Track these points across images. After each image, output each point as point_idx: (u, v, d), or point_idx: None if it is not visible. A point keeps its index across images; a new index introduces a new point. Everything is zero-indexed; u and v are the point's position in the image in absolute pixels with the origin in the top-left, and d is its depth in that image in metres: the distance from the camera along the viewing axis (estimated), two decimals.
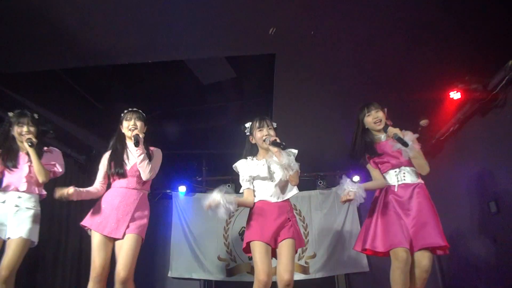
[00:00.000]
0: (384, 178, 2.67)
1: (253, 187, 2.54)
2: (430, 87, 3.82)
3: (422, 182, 2.59)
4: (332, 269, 5.72)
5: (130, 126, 2.63)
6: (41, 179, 2.66)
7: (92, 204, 2.63)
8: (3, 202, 2.60)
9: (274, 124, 2.60)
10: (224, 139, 5.43)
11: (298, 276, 5.79)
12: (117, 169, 2.54)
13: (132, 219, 2.47)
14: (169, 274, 5.84)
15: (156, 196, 6.17)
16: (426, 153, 5.22)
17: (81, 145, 4.95)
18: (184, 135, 5.38)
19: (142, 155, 2.51)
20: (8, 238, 2.51)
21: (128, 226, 2.44)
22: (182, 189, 6.05)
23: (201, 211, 6.22)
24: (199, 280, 5.84)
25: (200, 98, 4.54)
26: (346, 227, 5.91)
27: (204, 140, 5.63)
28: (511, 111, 3.39)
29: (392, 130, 2.50)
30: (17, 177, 2.66)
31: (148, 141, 2.70)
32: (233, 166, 2.63)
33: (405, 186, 2.55)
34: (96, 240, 2.45)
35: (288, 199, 2.52)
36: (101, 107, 4.39)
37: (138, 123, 2.65)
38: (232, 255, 5.98)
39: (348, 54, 3.44)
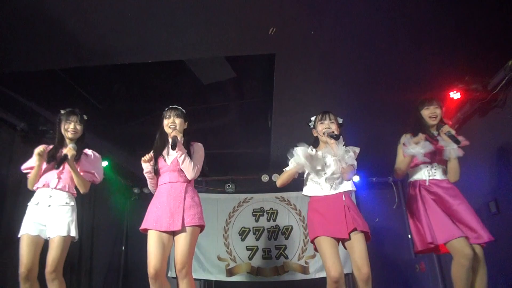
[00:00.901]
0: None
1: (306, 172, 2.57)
2: (430, 87, 3.82)
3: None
4: None
5: (170, 124, 2.68)
6: (82, 190, 2.78)
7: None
8: (37, 204, 2.65)
9: (340, 120, 2.65)
10: (224, 139, 5.43)
11: (298, 276, 5.79)
12: (156, 166, 2.61)
13: (185, 209, 2.49)
14: (169, 274, 5.83)
15: None
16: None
17: None
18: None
19: (183, 156, 2.55)
20: (49, 237, 2.58)
21: (183, 218, 2.46)
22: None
23: None
24: (199, 280, 5.84)
25: (200, 98, 4.54)
26: None
27: (204, 140, 5.61)
28: (511, 111, 3.39)
29: (447, 128, 2.60)
30: (51, 174, 2.72)
31: (189, 136, 2.79)
32: (293, 149, 2.59)
33: (436, 182, 2.66)
34: (152, 239, 2.46)
35: (344, 192, 2.50)
36: (101, 107, 4.39)
37: (177, 120, 2.71)
38: (232, 255, 5.98)
39: (348, 54, 3.44)
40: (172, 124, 2.67)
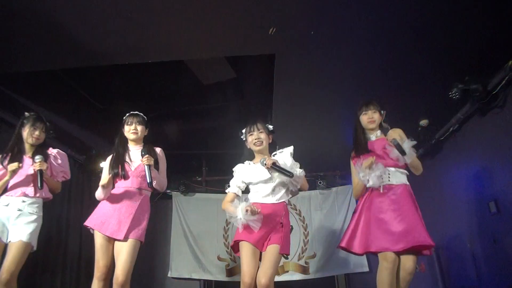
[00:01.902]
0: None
1: (241, 192, 2.56)
2: (430, 87, 3.83)
3: (408, 183, 2.60)
4: (332, 269, 5.73)
5: (132, 130, 2.66)
6: (56, 192, 2.77)
7: (92, 205, 2.64)
8: (7, 205, 2.59)
9: (270, 127, 2.61)
10: (224, 139, 5.42)
11: (298, 276, 5.79)
12: (118, 170, 2.55)
13: (133, 221, 2.48)
14: (169, 274, 5.85)
15: (156, 196, 6.17)
16: (426, 154, 5.24)
17: (81, 145, 4.95)
18: (184, 135, 5.38)
19: (155, 181, 2.52)
20: (9, 241, 2.51)
21: (128, 229, 2.45)
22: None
23: (201, 211, 6.23)
24: (199, 280, 5.85)
25: (200, 98, 4.54)
26: (346, 227, 5.89)
27: (204, 140, 5.62)
28: (511, 111, 3.39)
29: (392, 135, 2.51)
30: (23, 181, 2.64)
31: (150, 141, 2.73)
32: (233, 170, 2.65)
33: (389, 187, 2.55)
34: (99, 240, 2.46)
35: (284, 202, 2.50)
36: (101, 107, 4.39)
37: (139, 127, 2.68)
38: (232, 255, 5.98)
39: (348, 54, 3.44)
40: (134, 130, 2.66)
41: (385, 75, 3.71)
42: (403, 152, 2.44)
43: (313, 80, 3.84)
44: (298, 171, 2.40)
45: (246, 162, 2.63)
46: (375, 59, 3.48)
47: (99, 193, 2.54)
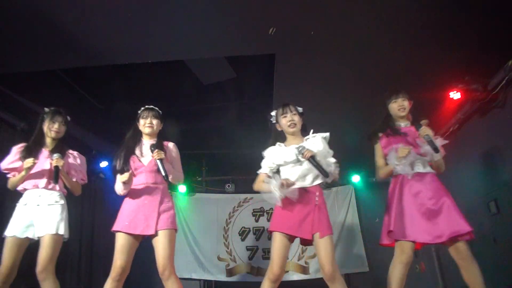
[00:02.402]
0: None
1: (273, 173, 2.49)
2: (430, 87, 3.82)
3: (433, 171, 2.60)
4: None
5: (147, 124, 2.65)
6: (76, 193, 2.81)
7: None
8: (25, 204, 2.62)
9: (300, 109, 2.58)
10: (224, 139, 5.43)
11: (298, 276, 5.79)
12: (125, 166, 2.52)
13: (160, 213, 2.48)
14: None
15: None
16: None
17: (81, 145, 4.95)
18: (184, 135, 5.38)
19: (171, 175, 2.50)
20: (38, 237, 2.55)
21: (157, 222, 2.44)
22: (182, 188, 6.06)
23: (201, 211, 6.24)
24: (199, 280, 5.84)
25: (200, 98, 4.54)
26: (346, 227, 5.91)
27: (204, 140, 5.63)
28: (511, 111, 3.39)
29: (425, 131, 2.51)
30: (39, 173, 2.66)
31: (163, 137, 2.75)
32: (262, 153, 2.59)
33: (419, 175, 2.55)
34: (120, 241, 2.43)
35: (318, 185, 2.44)
36: (101, 107, 4.39)
37: (155, 121, 2.68)
38: (232, 255, 5.98)
39: (348, 54, 3.44)
40: (149, 124, 2.65)
41: (385, 75, 3.71)
42: (436, 149, 2.45)
43: (313, 79, 3.84)
44: (332, 163, 2.34)
45: (277, 144, 2.57)
46: (375, 59, 3.48)
47: (119, 188, 2.54)
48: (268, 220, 6.16)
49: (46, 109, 2.82)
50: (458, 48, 3.30)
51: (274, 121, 2.64)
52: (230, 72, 3.98)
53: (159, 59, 3.52)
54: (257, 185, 2.52)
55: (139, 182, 2.55)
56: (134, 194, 2.54)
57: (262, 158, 2.59)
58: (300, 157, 2.35)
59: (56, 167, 2.58)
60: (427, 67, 3.57)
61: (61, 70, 3.76)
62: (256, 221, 6.21)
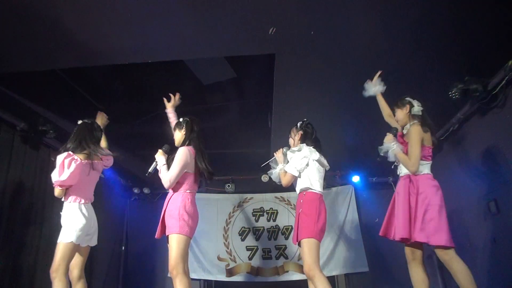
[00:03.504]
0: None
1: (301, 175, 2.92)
2: (430, 87, 3.82)
3: (430, 173, 2.92)
4: (332, 269, 5.72)
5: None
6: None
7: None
8: (86, 215, 2.92)
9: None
10: (224, 139, 5.43)
11: (298, 276, 5.79)
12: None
13: (164, 219, 2.78)
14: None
15: (156, 196, 6.18)
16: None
17: None
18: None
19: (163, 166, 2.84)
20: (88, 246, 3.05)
21: (162, 228, 2.81)
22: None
23: (201, 211, 6.21)
24: (199, 280, 5.84)
25: (200, 98, 4.54)
26: (346, 227, 5.91)
27: (204, 140, 5.62)
28: (511, 111, 3.39)
29: (386, 139, 2.96)
30: (89, 189, 3.04)
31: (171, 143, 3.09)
32: (299, 145, 3.01)
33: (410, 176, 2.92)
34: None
35: (301, 192, 3.03)
36: (101, 107, 4.38)
37: (174, 133, 3.13)
38: (232, 255, 5.98)
39: (347, 54, 3.44)
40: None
41: (385, 75, 3.71)
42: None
43: (313, 80, 3.84)
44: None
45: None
46: (375, 59, 3.48)
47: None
48: (268, 220, 6.17)
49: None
50: (458, 48, 3.30)
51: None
52: (230, 72, 3.97)
53: (159, 59, 3.52)
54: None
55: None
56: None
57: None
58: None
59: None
60: (427, 67, 3.57)
61: (61, 70, 3.75)
62: (256, 221, 6.21)
